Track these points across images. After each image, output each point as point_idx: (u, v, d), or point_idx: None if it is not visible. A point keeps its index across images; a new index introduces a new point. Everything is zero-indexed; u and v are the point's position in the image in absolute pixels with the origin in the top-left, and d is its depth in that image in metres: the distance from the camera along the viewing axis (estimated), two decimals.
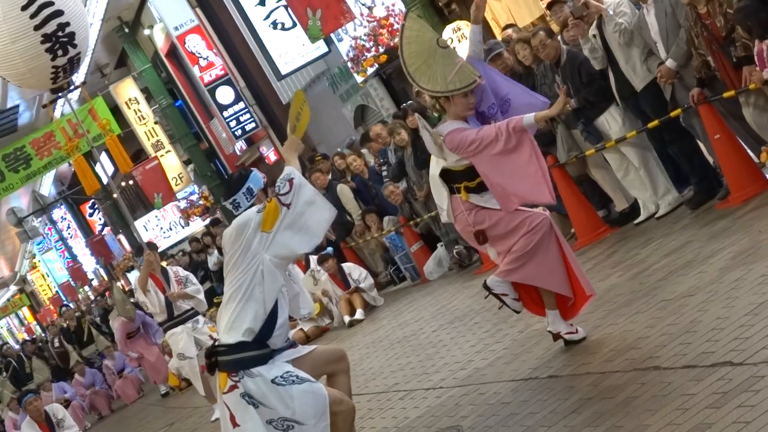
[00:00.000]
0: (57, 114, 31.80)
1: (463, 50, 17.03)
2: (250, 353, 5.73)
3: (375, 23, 18.90)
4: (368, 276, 14.92)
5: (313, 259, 15.40)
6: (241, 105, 27.23)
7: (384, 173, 15.11)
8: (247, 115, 27.25)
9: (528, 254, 7.00)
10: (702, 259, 7.53)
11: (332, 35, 20.36)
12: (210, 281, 20.55)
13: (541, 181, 6.93)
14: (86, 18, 10.51)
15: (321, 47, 21.59)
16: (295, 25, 21.10)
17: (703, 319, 6.12)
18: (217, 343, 5.86)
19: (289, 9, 20.85)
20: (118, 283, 20.51)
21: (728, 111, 8.88)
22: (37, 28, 9.62)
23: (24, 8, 9.57)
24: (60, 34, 9.69)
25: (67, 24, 9.70)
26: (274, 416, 5.68)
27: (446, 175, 7.17)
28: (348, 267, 14.95)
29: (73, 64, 9.99)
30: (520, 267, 7.04)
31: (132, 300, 19.10)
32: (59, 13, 9.66)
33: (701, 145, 9.68)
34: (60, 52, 9.76)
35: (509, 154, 6.87)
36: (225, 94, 27.31)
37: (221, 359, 5.78)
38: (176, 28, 27.17)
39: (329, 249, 15.29)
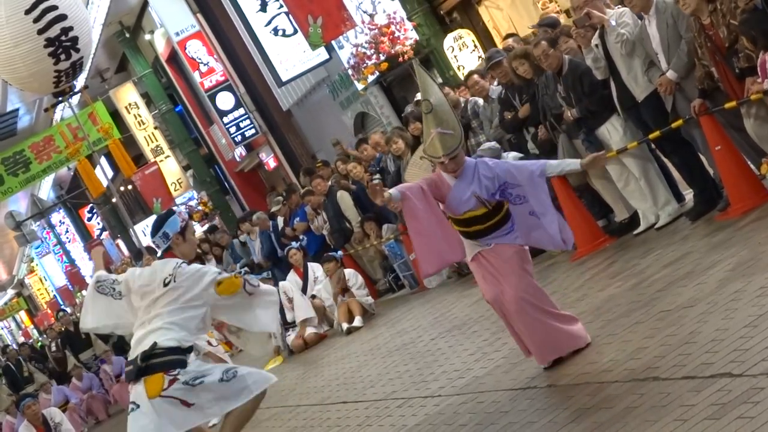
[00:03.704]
0: (57, 118, 31.81)
1: (465, 58, 17.10)
2: (183, 357, 6.67)
3: (376, 31, 18.89)
4: (363, 283, 14.95)
5: (312, 266, 15.41)
6: (241, 111, 27.24)
7: (375, 182, 15.10)
8: (247, 122, 27.25)
9: (518, 334, 7.21)
10: (702, 270, 7.53)
11: (333, 42, 20.38)
12: None
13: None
14: (89, 22, 10.51)
15: (322, 54, 21.60)
16: (296, 31, 21.13)
17: (702, 330, 6.12)
18: (156, 347, 6.61)
19: (290, 16, 20.87)
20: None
21: (729, 122, 8.88)
22: (40, 31, 9.60)
23: (27, 12, 9.55)
24: (63, 38, 9.67)
25: (71, 28, 9.67)
26: (217, 373, 6.65)
27: None
28: (348, 273, 14.96)
29: (76, 68, 9.98)
30: (534, 350, 7.15)
31: None
32: (63, 17, 9.64)
33: (701, 156, 9.69)
34: (63, 56, 9.75)
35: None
36: (225, 100, 27.32)
37: (159, 360, 6.58)
38: (177, 34, 27.19)
39: (339, 253, 15.33)
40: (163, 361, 6.56)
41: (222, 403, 6.73)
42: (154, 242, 6.90)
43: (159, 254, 6.90)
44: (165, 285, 6.75)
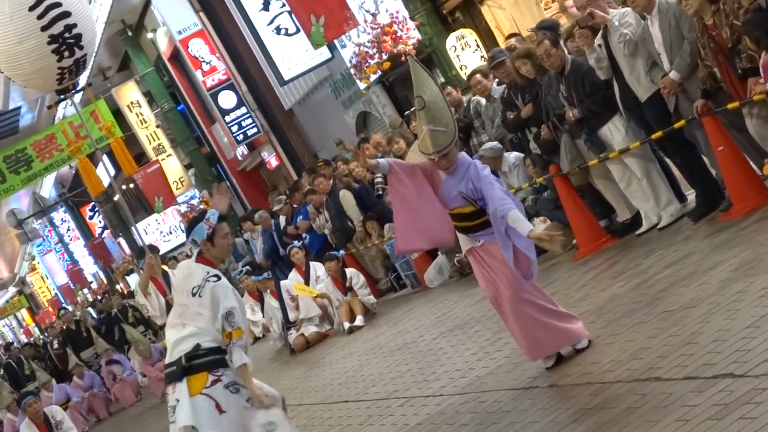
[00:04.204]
0: (59, 116, 31.80)
1: (467, 57, 17.08)
2: (224, 356, 6.78)
3: (379, 30, 18.89)
4: (365, 282, 14.96)
5: (314, 265, 15.42)
6: (243, 110, 27.25)
7: (378, 180, 15.07)
8: (249, 120, 27.26)
9: (514, 331, 7.18)
10: (704, 270, 7.53)
11: (335, 41, 20.36)
12: None
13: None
14: (93, 20, 10.49)
15: (324, 53, 21.60)
16: (298, 30, 21.12)
17: (704, 331, 6.12)
18: (199, 348, 6.76)
19: (292, 15, 20.86)
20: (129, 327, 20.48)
21: (731, 123, 8.88)
22: (44, 28, 9.58)
23: (31, 8, 9.54)
24: (67, 35, 9.66)
25: (74, 25, 9.66)
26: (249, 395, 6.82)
27: None
28: (351, 273, 14.98)
29: (79, 65, 9.97)
30: (526, 346, 7.14)
31: (131, 302, 19.04)
32: (67, 14, 9.63)
33: (704, 156, 9.69)
34: (66, 53, 9.73)
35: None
36: (227, 99, 27.33)
37: (204, 360, 6.74)
38: (180, 32, 27.19)
39: (341, 252, 15.34)
40: (207, 360, 6.74)
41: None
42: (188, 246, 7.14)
43: (194, 258, 7.09)
44: (192, 295, 6.89)
